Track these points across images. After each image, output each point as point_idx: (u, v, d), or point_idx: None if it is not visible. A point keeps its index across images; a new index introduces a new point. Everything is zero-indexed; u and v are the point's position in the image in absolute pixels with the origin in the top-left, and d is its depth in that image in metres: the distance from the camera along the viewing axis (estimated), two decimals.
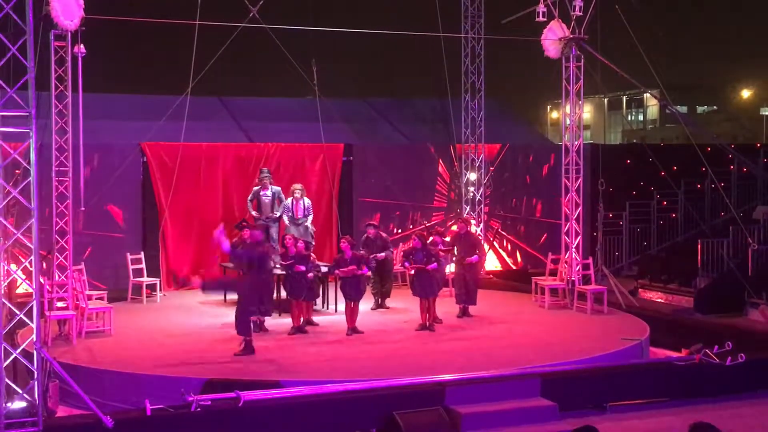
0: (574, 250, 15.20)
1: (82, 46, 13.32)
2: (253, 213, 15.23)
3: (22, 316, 8.40)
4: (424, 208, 19.11)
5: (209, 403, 8.89)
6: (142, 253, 15.91)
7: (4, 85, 8.30)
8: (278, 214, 15.31)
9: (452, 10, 18.62)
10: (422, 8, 18.40)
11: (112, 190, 16.07)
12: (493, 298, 15.78)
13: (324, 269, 13.74)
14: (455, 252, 14.30)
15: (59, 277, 13.03)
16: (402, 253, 14.50)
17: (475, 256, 13.98)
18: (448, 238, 14.81)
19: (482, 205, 19.10)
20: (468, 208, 18.91)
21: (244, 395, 8.97)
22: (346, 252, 12.84)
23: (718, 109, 58.30)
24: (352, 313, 12.76)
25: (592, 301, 14.51)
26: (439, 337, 12.58)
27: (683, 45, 57.78)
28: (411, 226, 18.68)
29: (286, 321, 12.94)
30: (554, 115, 53.65)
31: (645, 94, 53.27)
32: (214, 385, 9.66)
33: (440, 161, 19.37)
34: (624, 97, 59.83)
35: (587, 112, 47.45)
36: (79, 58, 13.33)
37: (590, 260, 15.50)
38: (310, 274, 12.84)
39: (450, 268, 14.77)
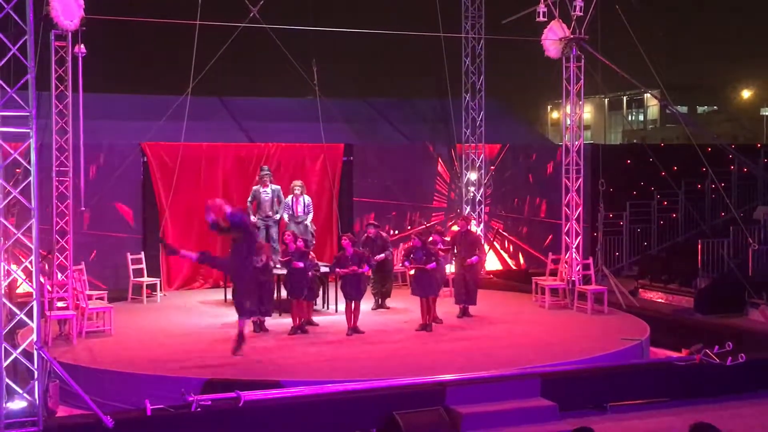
0: (574, 250, 15.21)
1: (82, 46, 13.32)
2: (253, 218, 14.83)
3: (22, 316, 8.41)
4: (424, 208, 19.10)
5: (209, 403, 8.89)
6: (143, 253, 15.91)
7: (4, 85, 8.30)
8: (278, 217, 15.28)
9: (452, 10, 18.61)
10: (422, 8, 18.44)
11: (113, 190, 16.07)
12: (493, 298, 15.77)
13: (324, 269, 13.74)
14: (455, 251, 14.30)
15: (60, 277, 13.04)
16: (402, 252, 14.50)
17: (475, 257, 13.98)
18: (448, 238, 14.81)
19: (482, 206, 19.09)
20: (468, 208, 18.91)
21: (244, 395, 8.97)
22: (347, 249, 12.84)
23: (719, 109, 58.33)
24: (353, 312, 12.76)
25: (593, 301, 14.51)
26: (439, 337, 12.58)
27: (683, 45, 57.91)
28: (409, 227, 18.67)
29: (286, 321, 12.94)
30: (555, 115, 53.71)
31: (645, 95, 53.28)
32: (214, 385, 9.66)
33: (440, 161, 19.36)
34: (624, 98, 59.83)
35: (587, 112, 47.39)
36: (80, 58, 13.34)
37: (590, 260, 15.51)
38: (309, 273, 12.84)
39: (450, 268, 14.76)
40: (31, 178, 8.36)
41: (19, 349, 8.45)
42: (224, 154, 17.44)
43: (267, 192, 15.28)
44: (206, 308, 14.90)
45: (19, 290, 12.74)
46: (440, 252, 13.65)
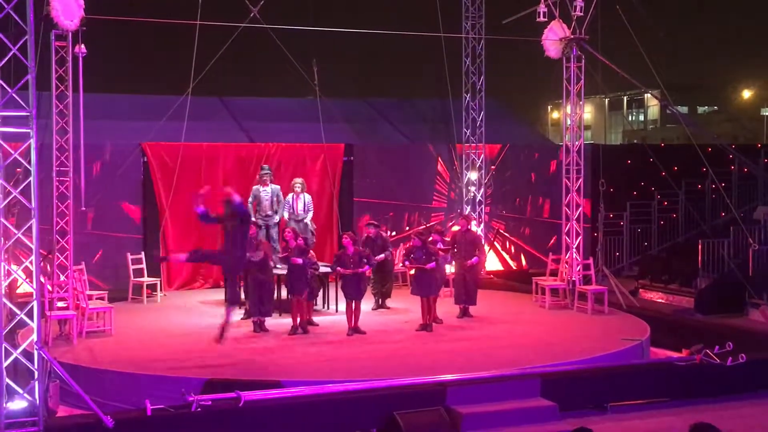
0: (574, 250, 15.20)
1: (82, 46, 13.33)
2: (253, 219, 14.74)
3: (22, 316, 8.41)
4: (424, 208, 19.10)
5: (209, 403, 8.89)
6: (143, 253, 15.91)
7: (4, 85, 8.29)
8: (278, 218, 15.26)
9: (453, 10, 18.62)
10: (422, 8, 18.43)
11: (113, 190, 16.08)
12: (494, 298, 15.77)
13: (324, 269, 13.73)
14: (455, 251, 14.29)
15: (60, 277, 13.04)
16: (402, 252, 14.49)
17: (475, 258, 13.98)
18: (448, 238, 14.81)
19: (483, 206, 19.09)
20: (468, 208, 18.90)
21: (244, 395, 8.97)
22: (348, 248, 12.84)
23: (719, 109, 58.35)
24: (353, 312, 12.76)
25: (593, 302, 14.52)
26: (440, 338, 12.58)
27: (683, 45, 57.88)
28: (407, 228, 18.66)
29: (286, 321, 12.94)
30: (555, 115, 53.70)
31: (646, 95, 53.29)
32: (214, 385, 9.66)
33: (440, 161, 19.36)
34: (625, 98, 59.86)
35: (588, 112, 47.46)
36: (80, 58, 13.35)
37: (591, 260, 15.51)
38: (308, 271, 12.83)
39: (450, 269, 14.76)
40: (31, 178, 8.36)
41: (20, 349, 8.44)
42: (224, 154, 17.45)
43: (267, 191, 15.28)
44: (206, 308, 14.89)
45: (20, 290, 12.73)
46: (440, 252, 13.65)
